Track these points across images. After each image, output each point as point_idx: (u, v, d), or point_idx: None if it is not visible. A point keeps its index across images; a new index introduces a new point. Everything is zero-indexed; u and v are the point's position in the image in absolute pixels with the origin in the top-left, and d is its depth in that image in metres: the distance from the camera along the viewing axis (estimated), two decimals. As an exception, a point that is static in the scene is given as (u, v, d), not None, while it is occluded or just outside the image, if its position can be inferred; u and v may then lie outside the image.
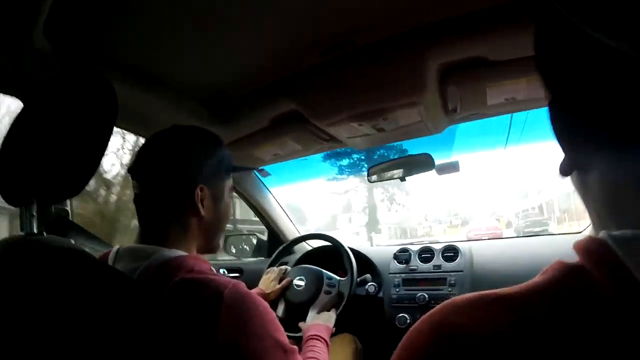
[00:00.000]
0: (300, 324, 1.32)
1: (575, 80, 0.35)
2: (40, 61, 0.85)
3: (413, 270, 1.69)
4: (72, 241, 0.82)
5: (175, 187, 0.78)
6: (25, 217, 0.65)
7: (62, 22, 0.79)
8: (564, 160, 0.41)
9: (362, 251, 1.82)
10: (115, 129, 0.72)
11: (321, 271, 1.55)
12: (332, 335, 1.34)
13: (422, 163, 1.53)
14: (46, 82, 0.67)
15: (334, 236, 1.74)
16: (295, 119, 1.29)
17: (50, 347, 0.54)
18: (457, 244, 1.70)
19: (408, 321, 1.54)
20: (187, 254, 0.75)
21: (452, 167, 1.57)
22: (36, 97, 0.68)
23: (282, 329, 0.73)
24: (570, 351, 0.30)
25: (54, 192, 0.67)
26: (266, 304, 0.72)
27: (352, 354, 1.48)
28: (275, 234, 2.19)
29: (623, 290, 0.30)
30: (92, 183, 0.67)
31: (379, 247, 2.18)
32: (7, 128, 0.64)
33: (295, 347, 0.75)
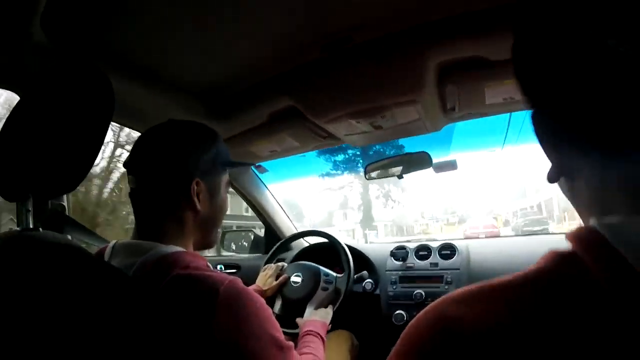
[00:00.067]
0: (297, 320, 1.32)
1: (557, 87, 0.36)
2: (37, 55, 0.84)
3: (410, 268, 1.69)
4: (69, 237, 0.82)
5: (171, 181, 0.77)
6: (22, 212, 0.65)
7: (59, 15, 0.79)
8: (551, 167, 0.42)
9: (359, 248, 1.82)
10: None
11: (318, 268, 1.55)
12: (329, 331, 1.35)
13: (420, 161, 1.53)
14: (43, 76, 0.67)
15: (331, 233, 1.74)
16: (292, 116, 1.29)
17: (45, 343, 0.54)
18: (454, 242, 1.71)
19: (405, 318, 1.54)
20: (183, 249, 0.75)
21: (450, 166, 1.57)
22: (33, 91, 0.67)
23: (278, 325, 0.73)
24: (566, 336, 0.30)
25: (50, 187, 0.67)
26: (262, 301, 0.72)
27: (349, 350, 1.48)
28: (272, 230, 2.19)
29: (613, 274, 0.31)
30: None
31: (375, 244, 2.18)
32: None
33: (291, 343, 0.75)
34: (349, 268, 1.51)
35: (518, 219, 19.84)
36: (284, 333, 1.28)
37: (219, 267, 2.09)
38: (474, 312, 0.34)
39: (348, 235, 22.32)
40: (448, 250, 1.68)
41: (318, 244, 1.97)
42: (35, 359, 0.54)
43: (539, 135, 0.41)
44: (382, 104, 1.16)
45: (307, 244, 2.08)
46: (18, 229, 0.65)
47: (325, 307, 1.40)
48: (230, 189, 1.40)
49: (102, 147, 0.71)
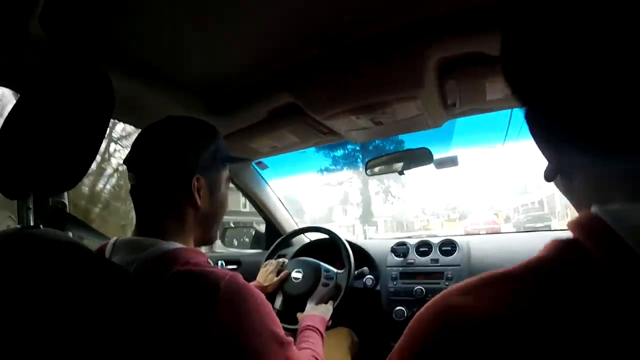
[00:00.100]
0: (298, 315, 1.33)
1: (551, 85, 0.36)
2: (37, 52, 0.84)
3: (411, 264, 1.70)
4: (70, 234, 0.83)
5: (172, 178, 0.77)
6: (22, 210, 0.65)
7: (58, 13, 0.79)
8: (547, 165, 0.42)
9: (359, 244, 1.83)
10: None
11: (319, 264, 1.56)
12: (329, 328, 1.35)
13: (421, 157, 1.53)
14: (43, 74, 0.67)
15: (331, 229, 1.75)
16: (293, 112, 1.29)
17: (46, 340, 0.54)
18: (455, 238, 1.71)
19: (405, 314, 1.55)
20: (184, 246, 0.75)
21: (451, 162, 1.57)
22: (32, 89, 0.67)
23: (278, 321, 0.73)
24: (572, 322, 0.30)
25: (50, 184, 0.67)
26: (263, 296, 0.72)
27: (349, 347, 1.49)
28: (273, 226, 2.19)
29: (616, 259, 0.31)
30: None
31: (376, 240, 2.19)
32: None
33: (290, 339, 0.76)
34: (349, 264, 1.51)
35: (519, 215, 19.77)
36: (285, 329, 1.29)
37: (219, 263, 2.09)
38: (478, 302, 0.34)
39: (348, 231, 22.21)
40: (449, 247, 1.68)
41: (319, 240, 1.98)
42: (37, 356, 0.54)
43: (535, 134, 0.41)
44: (382, 100, 1.16)
45: (307, 240, 2.09)
46: (18, 226, 0.65)
47: (326, 302, 1.40)
48: (230, 185, 1.40)
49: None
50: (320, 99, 1.18)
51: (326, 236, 1.75)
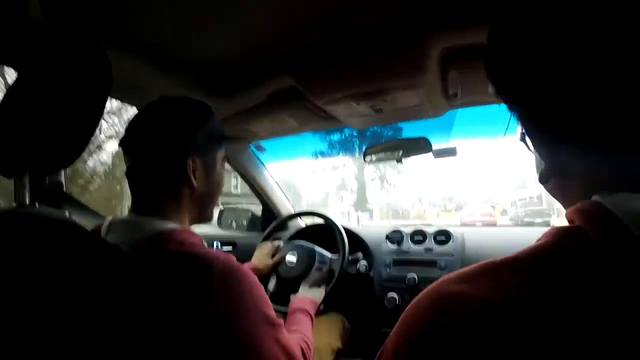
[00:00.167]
0: (292, 296, 1.34)
1: (547, 87, 0.36)
2: (35, 31, 0.83)
3: (405, 252, 1.71)
4: (67, 213, 0.83)
5: (167, 158, 0.77)
6: (18, 188, 0.65)
7: None
8: (543, 168, 0.42)
9: (354, 230, 1.84)
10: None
11: (313, 248, 1.57)
12: (321, 313, 1.36)
13: (420, 146, 1.53)
14: (41, 52, 0.66)
15: (327, 214, 1.75)
16: (292, 96, 1.28)
17: (40, 320, 0.55)
18: (450, 229, 1.72)
19: (397, 301, 1.56)
20: (179, 226, 0.76)
21: (450, 152, 1.57)
22: (30, 67, 0.67)
23: (270, 303, 0.74)
24: (575, 307, 0.30)
25: (47, 162, 0.67)
26: (255, 278, 0.73)
27: (340, 333, 1.50)
28: (269, 209, 2.20)
29: (617, 241, 0.31)
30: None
31: (372, 227, 2.20)
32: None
33: (281, 321, 0.76)
34: (343, 250, 1.53)
35: (518, 209, 19.78)
36: (278, 311, 1.30)
37: (215, 244, 2.10)
38: (476, 289, 0.35)
39: (343, 217, 22.17)
40: (443, 237, 1.69)
41: (315, 224, 1.99)
42: (30, 336, 0.54)
43: (527, 134, 0.41)
44: (383, 88, 1.15)
45: (303, 224, 2.10)
46: (14, 204, 0.65)
47: (319, 286, 1.42)
48: (227, 167, 1.40)
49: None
50: (320, 83, 1.17)
51: (322, 221, 1.76)
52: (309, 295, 1.31)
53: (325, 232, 1.70)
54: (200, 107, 0.84)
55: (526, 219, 15.27)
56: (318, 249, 1.57)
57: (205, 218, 0.89)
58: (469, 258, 1.58)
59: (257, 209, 2.30)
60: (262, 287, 0.74)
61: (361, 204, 25.54)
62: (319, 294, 1.35)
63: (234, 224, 2.29)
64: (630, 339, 0.28)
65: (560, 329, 0.30)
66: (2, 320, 0.54)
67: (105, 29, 0.94)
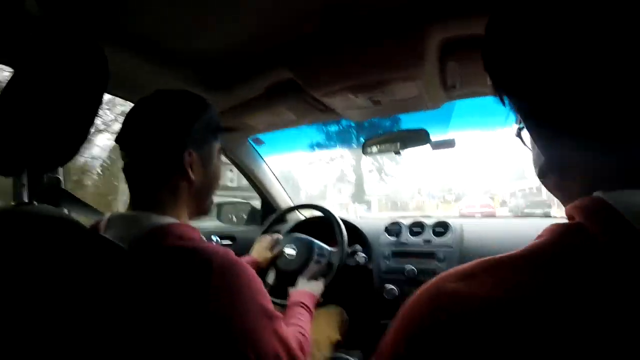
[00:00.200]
0: (290, 289, 1.34)
1: (545, 82, 0.35)
2: (30, 27, 0.82)
3: (403, 244, 1.71)
4: (65, 210, 0.82)
5: (163, 152, 0.77)
6: (17, 186, 0.65)
7: None
8: (542, 163, 0.42)
9: (353, 222, 1.84)
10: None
11: (312, 241, 1.57)
12: (320, 306, 1.37)
13: (418, 138, 1.52)
14: (37, 48, 0.65)
15: (326, 207, 1.75)
16: (290, 89, 1.27)
17: (36, 317, 0.55)
18: (448, 220, 1.72)
19: (396, 293, 1.57)
20: (177, 220, 0.75)
21: (448, 144, 1.57)
22: (27, 63, 0.66)
23: (268, 296, 0.74)
24: (577, 305, 0.30)
25: (45, 160, 0.66)
26: (254, 272, 0.73)
27: (339, 325, 1.51)
28: (268, 202, 2.20)
29: (618, 237, 0.31)
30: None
31: (370, 219, 2.20)
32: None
33: (280, 314, 0.77)
34: (342, 242, 1.53)
35: (518, 199, 19.77)
36: (277, 304, 1.30)
37: (214, 238, 2.10)
38: (474, 287, 0.35)
39: (342, 209, 22.07)
40: (442, 228, 1.69)
41: (314, 217, 1.99)
42: (30, 334, 0.54)
43: (529, 130, 0.41)
44: (382, 79, 1.14)
45: (302, 217, 2.10)
46: (13, 203, 0.65)
47: (317, 280, 1.42)
48: (227, 161, 1.39)
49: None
50: (318, 75, 1.16)
51: (320, 213, 1.76)
52: (307, 289, 1.31)
53: (324, 225, 1.70)
54: (195, 99, 0.83)
55: (526, 210, 15.14)
56: (317, 242, 1.57)
57: (203, 211, 0.89)
58: (468, 249, 1.58)
59: (255, 202, 2.30)
60: (260, 280, 0.74)
61: (359, 195, 25.33)
62: (317, 287, 1.35)
63: (234, 218, 2.29)
64: (631, 334, 0.28)
65: (560, 326, 0.30)
66: (3, 318, 0.54)
67: (101, 24, 0.93)
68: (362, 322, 1.64)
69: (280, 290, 1.43)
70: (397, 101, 1.31)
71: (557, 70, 0.34)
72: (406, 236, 1.73)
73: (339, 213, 1.73)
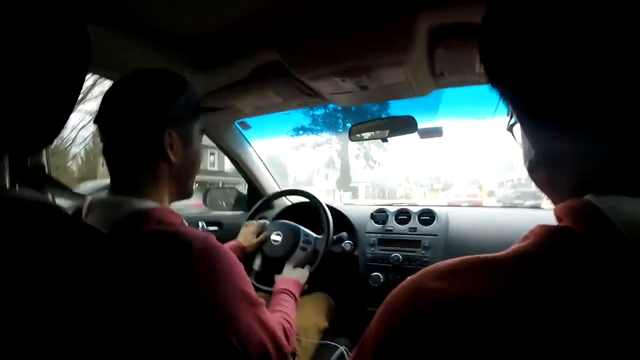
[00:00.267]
0: (275, 277, 1.34)
1: (542, 73, 0.35)
2: (9, 3, 0.79)
3: (389, 231, 1.72)
4: (49, 195, 0.81)
5: (142, 133, 0.75)
6: None
7: None
8: (533, 156, 0.42)
9: (339, 209, 1.84)
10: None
11: (298, 227, 1.57)
12: (306, 293, 1.37)
13: (405, 125, 1.52)
14: (15, 26, 0.63)
15: (312, 193, 1.75)
16: (277, 71, 1.25)
17: (16, 302, 0.53)
18: (434, 209, 1.73)
19: (381, 280, 1.58)
20: (159, 204, 0.75)
21: (435, 132, 1.57)
22: (4, 41, 0.64)
23: (249, 282, 0.74)
24: (565, 310, 0.30)
25: (25, 142, 0.64)
26: (235, 257, 0.73)
27: (326, 312, 1.52)
28: (255, 187, 2.19)
29: (607, 243, 0.31)
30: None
31: (357, 205, 2.21)
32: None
33: (262, 300, 0.76)
34: (328, 229, 1.53)
35: (507, 190, 19.91)
36: (262, 290, 1.30)
37: (200, 224, 2.09)
38: (457, 286, 0.34)
39: (329, 195, 21.96)
40: (427, 216, 1.70)
41: (300, 203, 1.99)
42: (9, 320, 0.53)
43: (521, 121, 0.41)
44: (368, 64, 1.13)
45: (289, 203, 2.10)
46: None
47: (303, 267, 1.42)
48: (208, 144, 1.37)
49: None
50: (305, 58, 1.14)
51: (307, 200, 1.76)
52: (292, 276, 1.31)
53: (311, 211, 1.70)
54: (174, 78, 0.81)
55: (516, 201, 15.18)
56: (303, 228, 1.57)
57: (185, 194, 0.87)
58: (452, 238, 1.59)
59: (237, 186, 2.28)
60: (242, 266, 0.74)
61: (345, 182, 25.10)
62: (302, 274, 1.36)
63: (223, 204, 2.29)
64: (619, 336, 0.28)
65: (547, 327, 0.30)
66: None
67: (85, 2, 0.90)
68: (349, 309, 1.65)
69: (266, 277, 1.43)
70: (385, 87, 1.30)
71: (555, 60, 0.33)
72: (392, 224, 1.74)
73: (325, 200, 1.73)
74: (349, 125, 1.69)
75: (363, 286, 1.63)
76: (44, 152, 0.98)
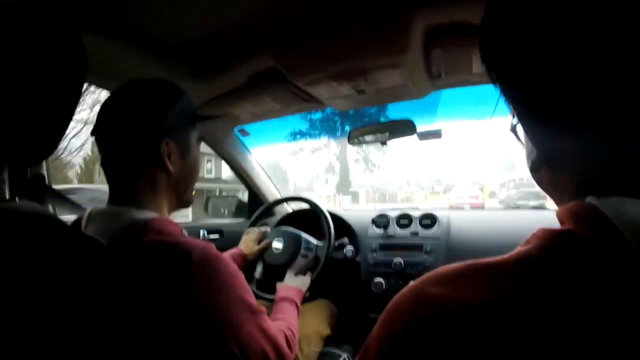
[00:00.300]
0: (277, 284, 1.33)
1: (544, 71, 0.34)
2: (6, 15, 0.79)
3: (391, 236, 1.71)
4: (50, 206, 0.80)
5: (139, 144, 0.74)
6: None
7: None
8: (535, 156, 0.42)
9: (340, 215, 1.83)
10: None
11: (299, 234, 1.56)
12: (308, 300, 1.36)
13: (404, 128, 1.52)
14: (12, 38, 0.62)
15: (313, 199, 1.74)
16: (274, 77, 1.25)
17: (15, 313, 0.53)
18: (436, 212, 1.72)
19: (384, 286, 1.56)
20: (157, 215, 0.74)
21: (435, 134, 1.56)
22: (2, 54, 0.63)
23: (250, 290, 0.74)
24: (568, 315, 0.30)
25: (24, 154, 0.64)
26: (235, 266, 0.72)
27: (328, 319, 1.50)
28: (255, 195, 2.18)
29: (612, 247, 0.31)
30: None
31: (357, 211, 2.20)
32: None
33: (263, 308, 0.76)
34: (329, 236, 1.52)
35: (510, 190, 19.82)
36: (263, 298, 1.29)
37: (201, 232, 2.08)
38: (459, 291, 0.34)
39: (329, 201, 21.91)
40: (429, 220, 1.69)
41: (301, 209, 1.98)
42: (9, 330, 0.53)
43: (523, 120, 0.40)
44: (365, 66, 1.13)
45: (290, 210, 2.09)
46: None
47: (304, 274, 1.41)
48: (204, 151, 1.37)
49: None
50: (301, 63, 1.14)
51: (308, 206, 1.75)
52: (294, 284, 1.30)
53: (312, 217, 1.69)
54: (168, 87, 0.81)
55: (519, 202, 15.04)
56: (304, 235, 1.56)
57: (184, 203, 0.87)
58: (455, 241, 1.58)
59: (237, 193, 2.28)
60: (242, 274, 0.73)
61: (344, 186, 24.99)
62: (304, 282, 1.35)
63: (225, 212, 2.28)
64: (621, 340, 0.28)
65: (550, 330, 0.29)
66: None
67: (81, 12, 0.90)
68: (351, 315, 1.64)
69: (267, 284, 1.42)
70: (382, 90, 1.29)
71: (556, 59, 0.33)
72: (393, 228, 1.73)
73: (326, 205, 1.72)
74: (347, 128, 1.70)
75: (365, 292, 1.61)
76: (44, 164, 0.98)
